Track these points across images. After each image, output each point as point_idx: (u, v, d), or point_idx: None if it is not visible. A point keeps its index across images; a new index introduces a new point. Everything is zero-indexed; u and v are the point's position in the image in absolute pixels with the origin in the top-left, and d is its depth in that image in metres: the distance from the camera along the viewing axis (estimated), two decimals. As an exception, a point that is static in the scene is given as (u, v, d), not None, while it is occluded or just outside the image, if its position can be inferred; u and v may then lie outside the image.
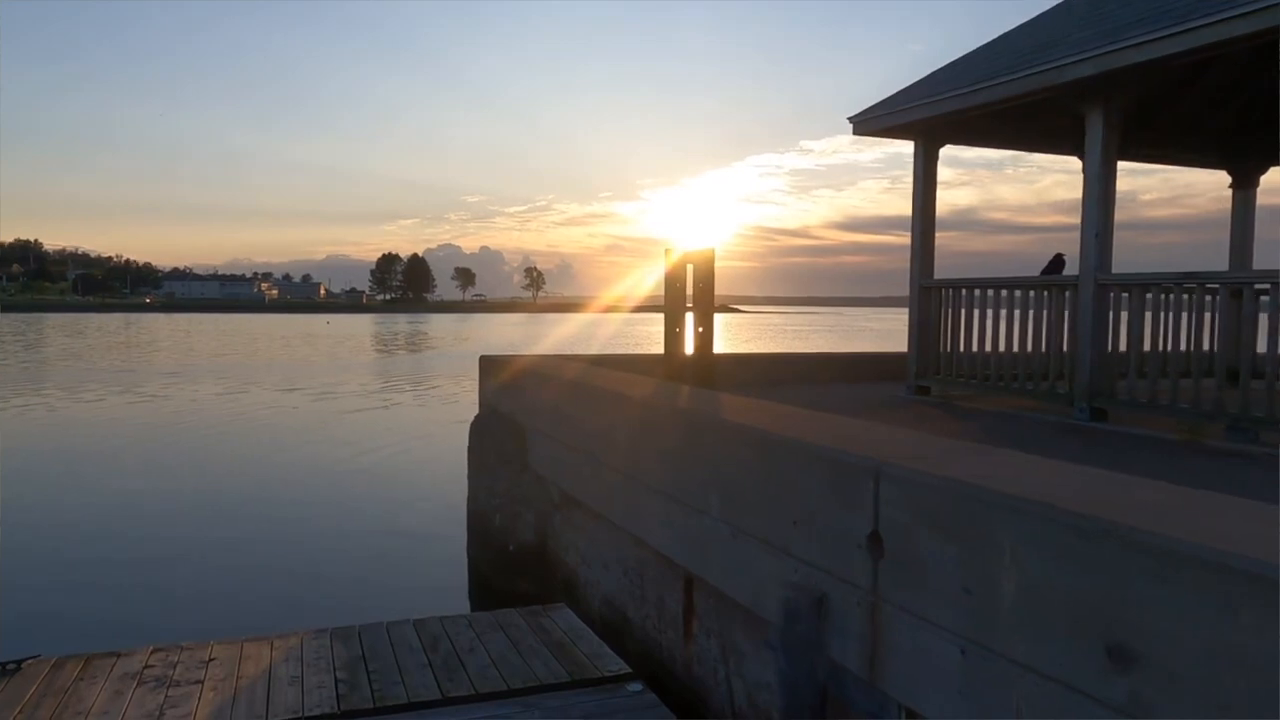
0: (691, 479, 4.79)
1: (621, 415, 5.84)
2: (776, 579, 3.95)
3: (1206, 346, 7.13)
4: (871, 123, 8.93)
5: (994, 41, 9.14)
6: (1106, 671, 2.46)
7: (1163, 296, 6.97)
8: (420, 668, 5.26)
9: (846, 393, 9.42)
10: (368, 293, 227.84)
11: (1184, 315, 6.94)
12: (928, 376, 9.12)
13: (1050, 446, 6.33)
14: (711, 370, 7.47)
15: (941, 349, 8.99)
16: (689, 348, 7.80)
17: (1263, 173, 10.46)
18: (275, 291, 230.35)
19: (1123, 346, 7.45)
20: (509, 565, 7.55)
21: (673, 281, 7.57)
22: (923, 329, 9.09)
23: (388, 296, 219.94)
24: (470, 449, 8.43)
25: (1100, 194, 7.17)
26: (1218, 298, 6.92)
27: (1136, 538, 2.41)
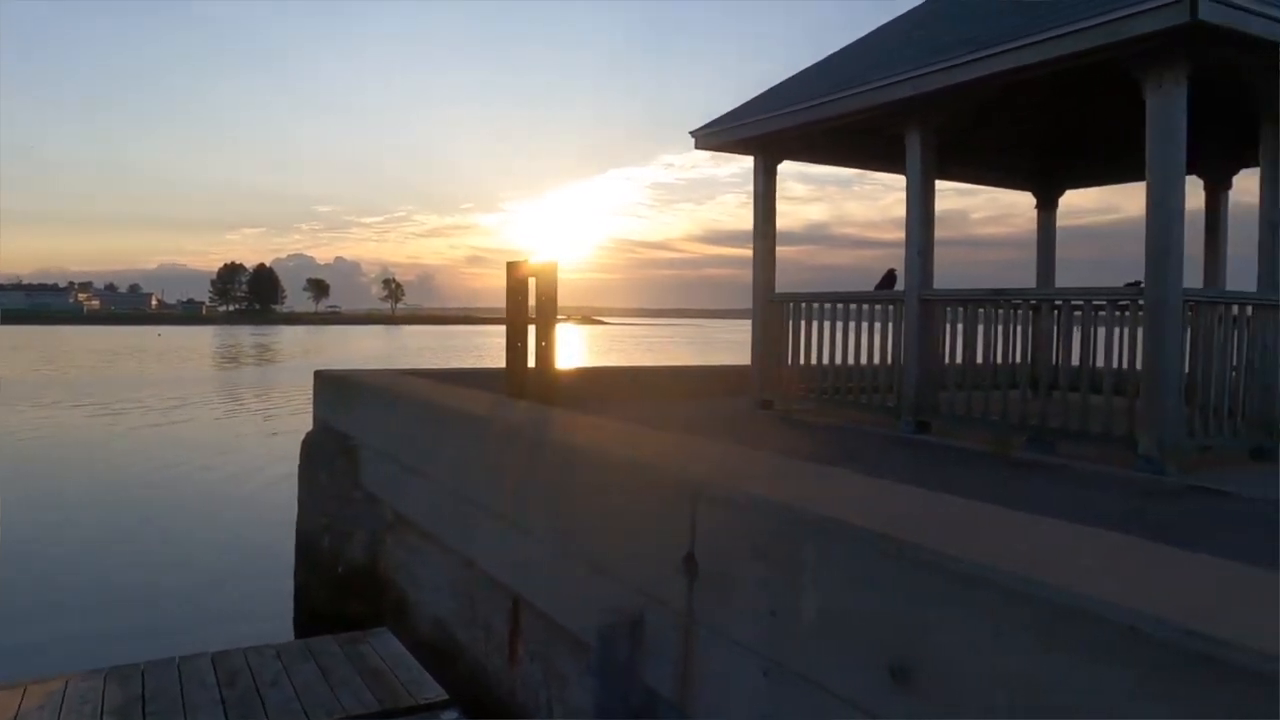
0: (519, 498, 4.72)
1: (453, 432, 5.71)
2: (598, 602, 3.91)
3: (1019, 360, 7.53)
4: (712, 137, 9.08)
5: (833, 56, 9.43)
6: (890, 690, 2.52)
7: (978, 311, 7.35)
8: (211, 705, 4.91)
9: (692, 407, 9.53)
10: (207, 304, 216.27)
11: (997, 329, 7.29)
12: (770, 390, 9.32)
13: (875, 460, 6.57)
14: (553, 385, 7.40)
15: (784, 362, 9.20)
16: (531, 362, 7.70)
17: (1061, 194, 11.22)
18: (97, 302, 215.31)
19: (948, 360, 7.81)
20: (338, 588, 7.26)
21: (514, 294, 7.47)
22: (765, 343, 9.29)
23: (231, 308, 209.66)
24: (301, 467, 8.09)
25: (921, 212, 7.51)
26: (1026, 313, 7.34)
27: (920, 556, 2.48)
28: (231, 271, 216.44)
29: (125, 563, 10.78)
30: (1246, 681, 1.79)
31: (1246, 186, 7.71)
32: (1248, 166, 9.03)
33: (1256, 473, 6.09)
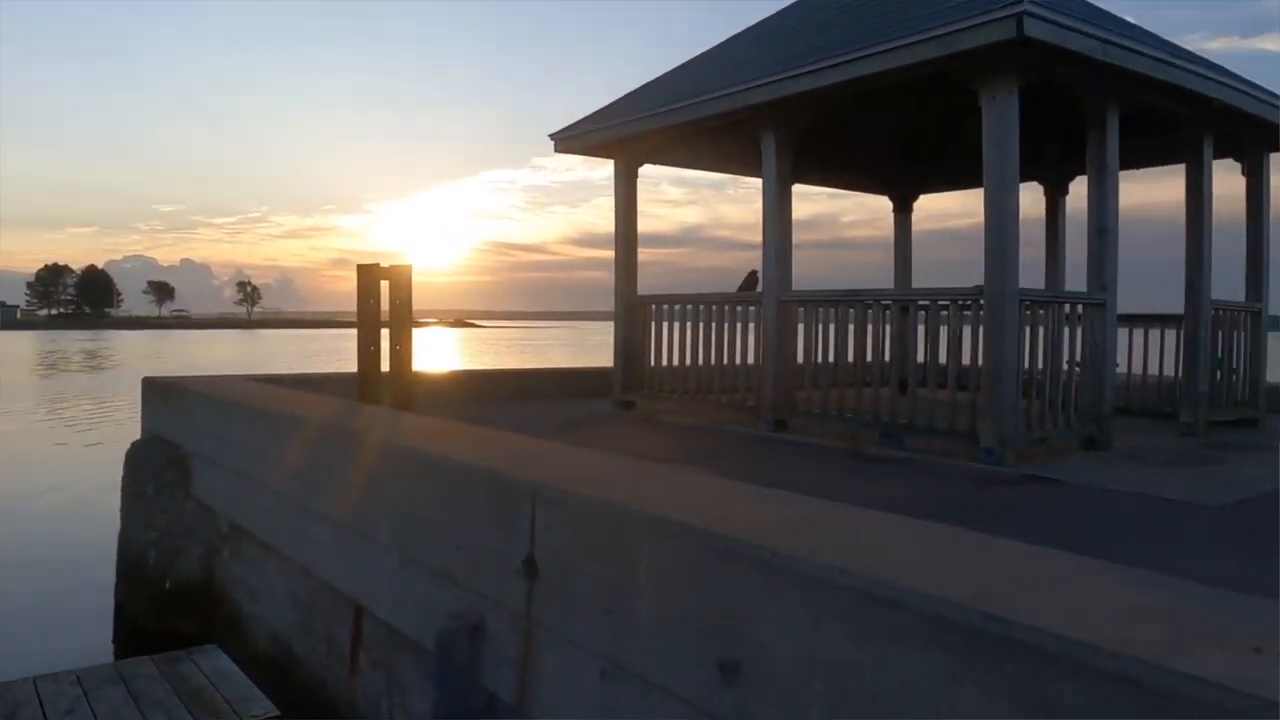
0: (362, 505, 4.58)
1: (295, 439, 5.50)
2: (441, 608, 3.82)
3: (874, 358, 7.79)
4: (572, 141, 9.08)
5: (692, 61, 9.54)
6: (719, 685, 2.54)
7: (832, 311, 7.57)
8: (-16, 744, 4.46)
9: (554, 409, 9.49)
10: (23, 307, 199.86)
11: (850, 329, 7.52)
12: (633, 391, 9.36)
13: (729, 459, 6.68)
14: (408, 389, 7.24)
15: (646, 364, 9.26)
16: (386, 366, 7.51)
17: (916, 199, 11.71)
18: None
19: (806, 360, 8.00)
20: (166, 606, 6.87)
21: (366, 298, 7.28)
22: (628, 344, 9.33)
23: (54, 312, 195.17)
24: (125, 479, 7.62)
25: (777, 215, 7.68)
26: (879, 313, 7.60)
27: (751, 553, 2.51)
28: (54, 273, 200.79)
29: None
30: (1038, 659, 1.87)
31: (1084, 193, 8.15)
32: (1083, 174, 9.62)
33: (1086, 461, 6.47)
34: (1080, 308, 7.03)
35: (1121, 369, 8.91)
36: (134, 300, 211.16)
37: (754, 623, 2.46)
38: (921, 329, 8.18)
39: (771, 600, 2.42)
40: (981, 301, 6.46)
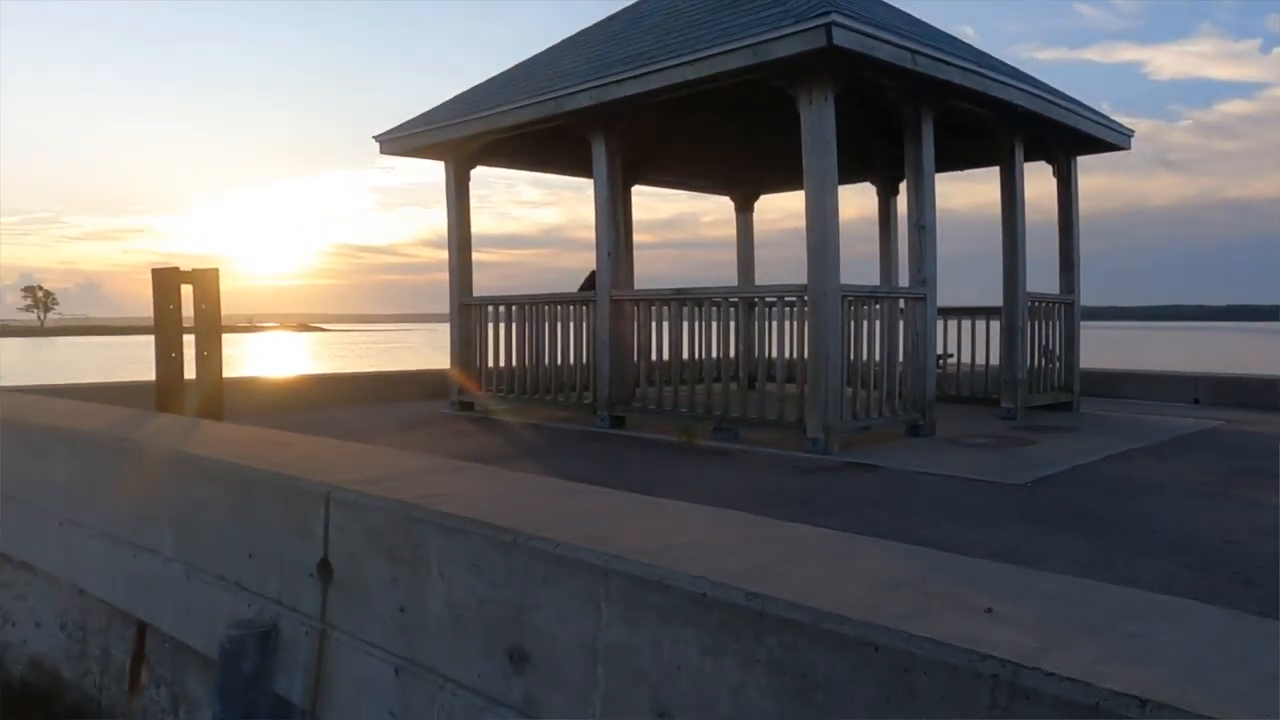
0: (144, 517, 4.33)
1: (66, 452, 5.10)
2: (230, 616, 3.66)
3: (708, 354, 7.94)
4: (398, 143, 8.91)
5: (522, 64, 9.49)
6: (508, 675, 2.53)
7: (664, 309, 7.68)
8: None
9: (391, 411, 9.28)
10: None
11: (683, 326, 7.65)
12: (470, 392, 9.25)
13: (560, 455, 6.68)
14: (218, 397, 6.91)
15: (482, 364, 9.16)
16: (191, 374, 7.11)
17: (756, 199, 12.03)
18: None
19: (645, 357, 8.08)
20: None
21: (165, 303, 6.89)
22: (464, 345, 9.22)
23: None
24: None
25: (609, 215, 7.74)
26: (708, 310, 7.75)
27: (533, 545, 2.51)
28: None
29: None
30: (793, 630, 1.94)
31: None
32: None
33: (908, 447, 6.77)
34: (902, 302, 7.36)
35: (953, 360, 9.43)
36: None
37: (539, 611, 2.46)
38: (756, 325, 8.39)
39: (555, 589, 2.43)
40: (806, 298, 6.67)
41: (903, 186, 10.83)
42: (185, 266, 6.72)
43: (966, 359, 9.49)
